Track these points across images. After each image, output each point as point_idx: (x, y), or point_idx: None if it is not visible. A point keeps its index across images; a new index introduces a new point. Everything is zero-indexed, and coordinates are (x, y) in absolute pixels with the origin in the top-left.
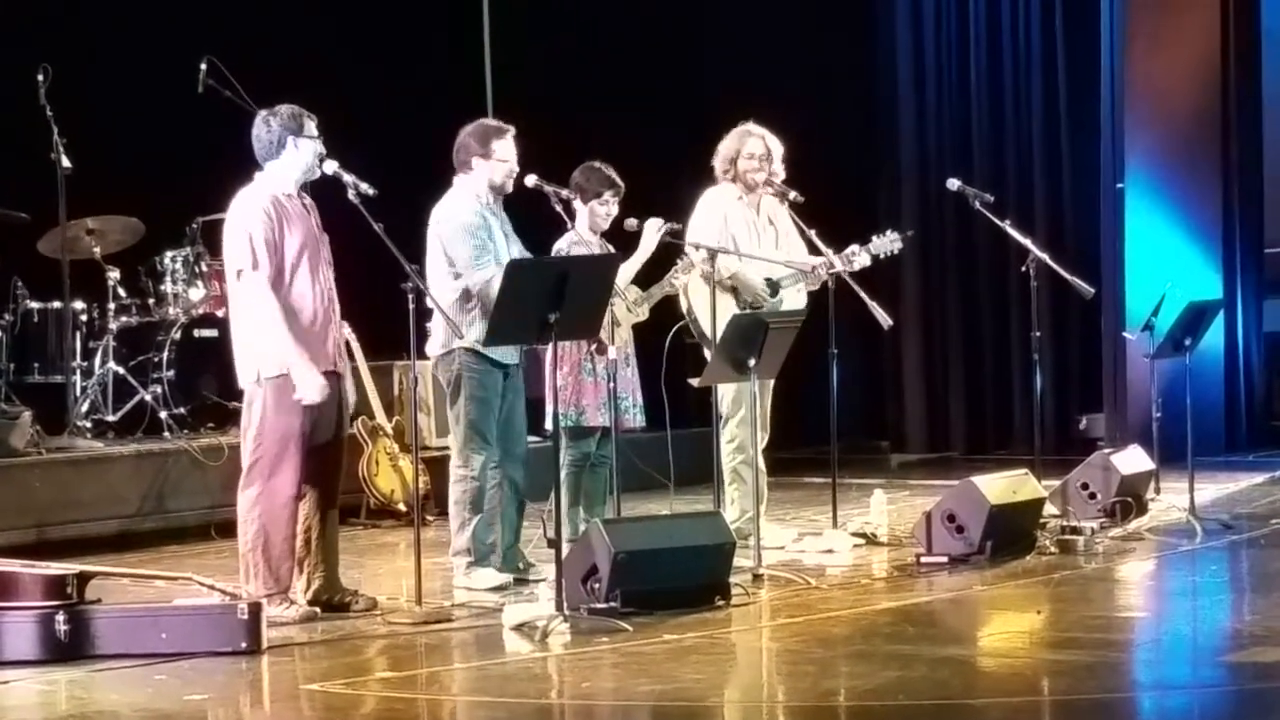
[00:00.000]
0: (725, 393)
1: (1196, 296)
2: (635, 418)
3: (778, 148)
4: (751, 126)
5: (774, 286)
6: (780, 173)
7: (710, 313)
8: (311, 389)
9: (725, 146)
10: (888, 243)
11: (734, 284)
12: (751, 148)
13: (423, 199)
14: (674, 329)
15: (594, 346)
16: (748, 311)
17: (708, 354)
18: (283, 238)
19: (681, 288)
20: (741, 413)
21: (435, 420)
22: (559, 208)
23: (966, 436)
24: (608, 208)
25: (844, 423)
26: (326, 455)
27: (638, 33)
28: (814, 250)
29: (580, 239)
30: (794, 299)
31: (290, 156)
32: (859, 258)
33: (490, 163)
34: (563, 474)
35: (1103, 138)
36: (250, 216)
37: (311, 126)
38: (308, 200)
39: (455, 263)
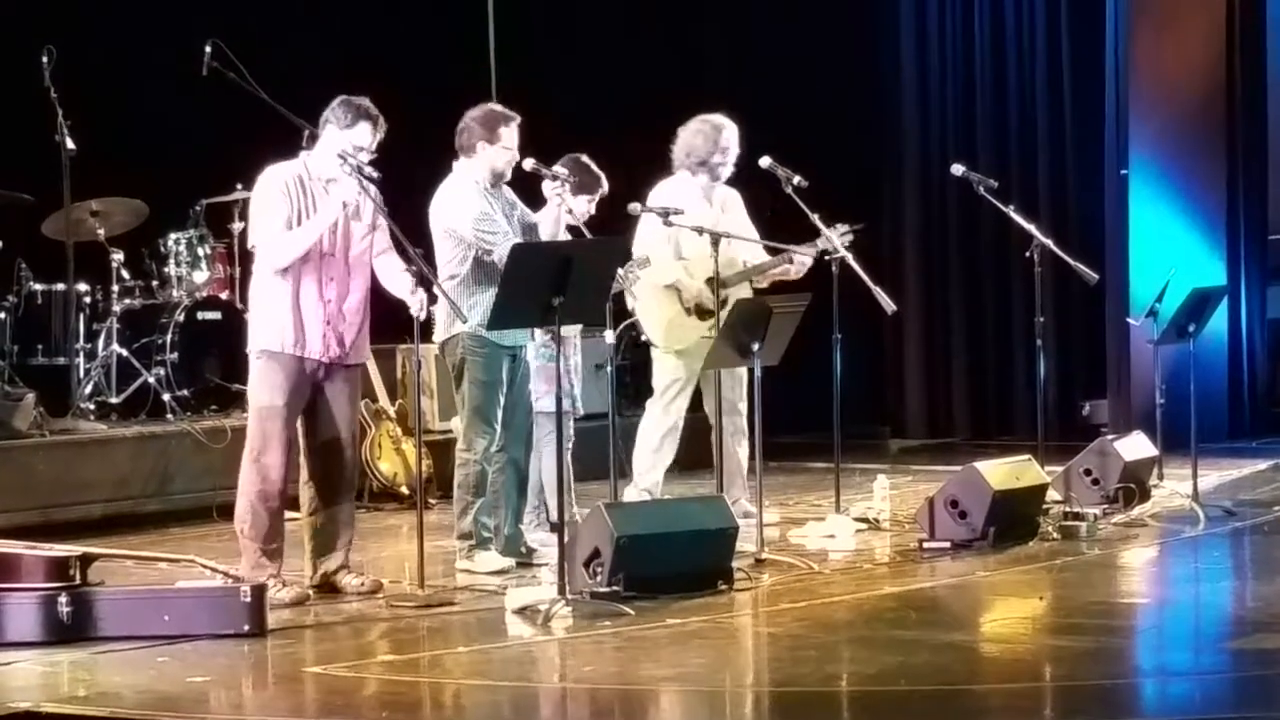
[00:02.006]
0: (660, 372)
1: (1200, 283)
2: (575, 406)
3: None
4: (719, 119)
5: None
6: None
7: (715, 304)
8: (343, 197)
9: (695, 143)
10: (836, 236)
11: (677, 287)
12: (726, 142)
13: (427, 184)
14: (622, 324)
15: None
16: (752, 297)
17: (654, 353)
18: (299, 215)
19: (634, 282)
20: (670, 397)
21: (438, 403)
22: (558, 192)
23: (969, 422)
24: (591, 206)
25: (846, 408)
26: (328, 447)
27: (640, 19)
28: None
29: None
30: (740, 295)
31: (324, 139)
32: (803, 258)
33: (495, 149)
34: (550, 458)
35: (1107, 123)
36: (267, 193)
37: (364, 131)
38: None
39: (481, 243)
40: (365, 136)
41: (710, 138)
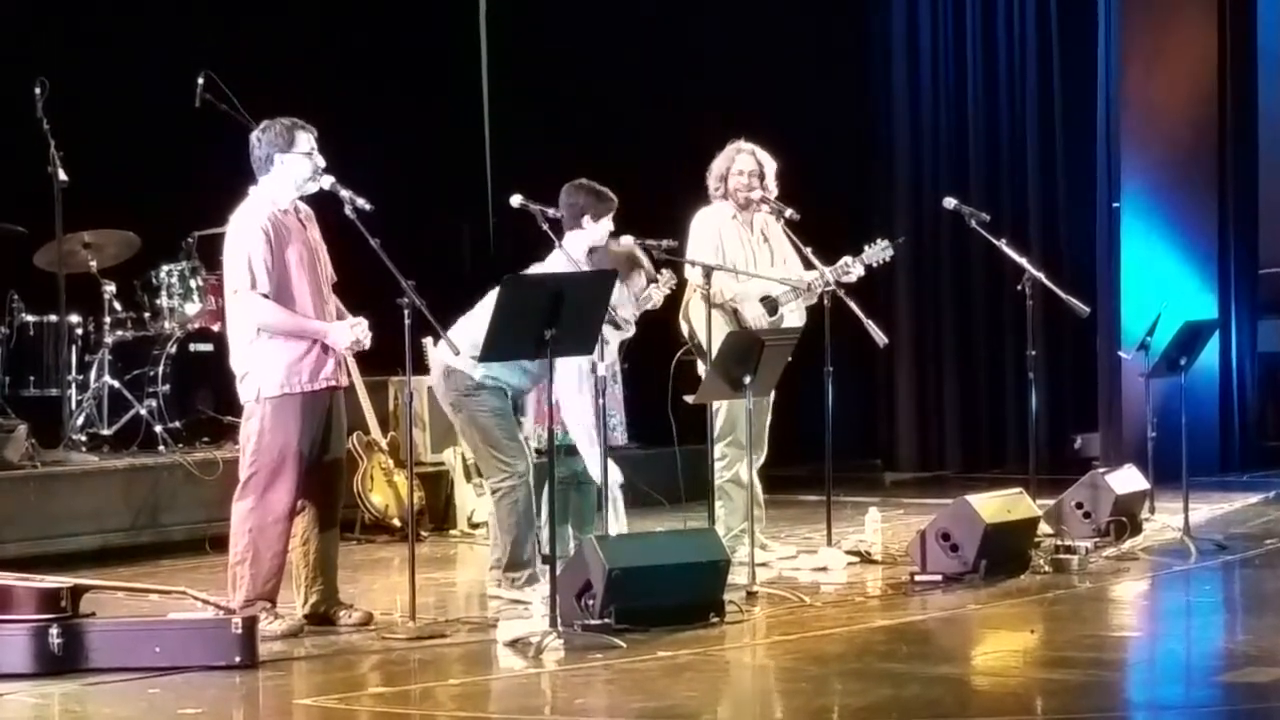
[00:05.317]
0: (720, 410)
1: (1192, 316)
2: (621, 435)
3: (770, 164)
4: (742, 144)
5: (772, 305)
6: (773, 189)
7: (706, 331)
8: (343, 339)
9: (717, 164)
10: (879, 251)
11: (735, 307)
12: (741, 164)
13: (419, 215)
14: (680, 351)
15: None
16: (744, 329)
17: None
18: (281, 254)
19: (660, 301)
20: (734, 431)
21: (430, 436)
22: (545, 226)
23: (961, 455)
24: (610, 224)
25: (838, 441)
26: (325, 472)
27: (631, 49)
28: (809, 266)
29: (570, 259)
30: (794, 317)
31: (280, 172)
32: (854, 269)
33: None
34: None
35: (1099, 157)
36: (247, 236)
37: (304, 139)
38: (305, 212)
39: None
40: (308, 145)
41: (724, 161)
